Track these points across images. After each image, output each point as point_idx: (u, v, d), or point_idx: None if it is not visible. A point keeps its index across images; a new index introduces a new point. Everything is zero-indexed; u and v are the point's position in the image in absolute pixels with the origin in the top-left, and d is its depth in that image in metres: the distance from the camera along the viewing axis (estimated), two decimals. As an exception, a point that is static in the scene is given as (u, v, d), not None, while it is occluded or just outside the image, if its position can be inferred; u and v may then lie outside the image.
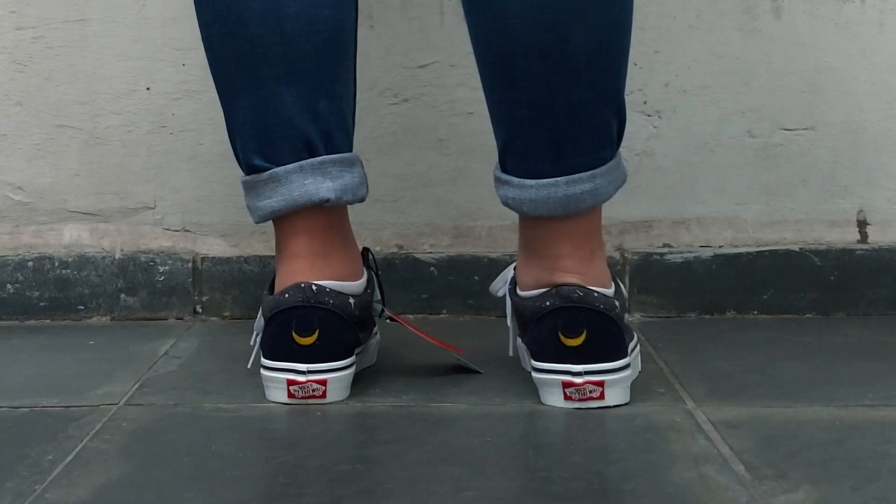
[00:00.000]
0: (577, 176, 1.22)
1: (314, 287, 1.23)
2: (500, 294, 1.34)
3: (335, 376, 1.22)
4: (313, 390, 1.23)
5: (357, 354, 1.27)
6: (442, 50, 1.63)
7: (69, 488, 0.99)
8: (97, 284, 1.64)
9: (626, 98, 1.65)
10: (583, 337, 1.20)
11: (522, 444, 1.10)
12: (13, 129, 1.66)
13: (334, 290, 1.24)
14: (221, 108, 1.29)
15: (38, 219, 1.67)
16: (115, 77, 1.65)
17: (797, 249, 1.65)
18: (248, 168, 1.28)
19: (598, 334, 1.20)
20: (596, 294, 1.21)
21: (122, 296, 1.64)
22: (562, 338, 1.20)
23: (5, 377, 1.35)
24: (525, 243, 1.26)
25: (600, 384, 1.20)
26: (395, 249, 1.67)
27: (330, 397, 1.23)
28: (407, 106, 1.66)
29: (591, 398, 1.20)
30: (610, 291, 1.24)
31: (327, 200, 1.25)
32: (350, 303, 1.24)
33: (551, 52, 1.18)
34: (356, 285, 1.26)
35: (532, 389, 1.25)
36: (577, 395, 1.20)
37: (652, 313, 1.64)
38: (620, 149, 1.28)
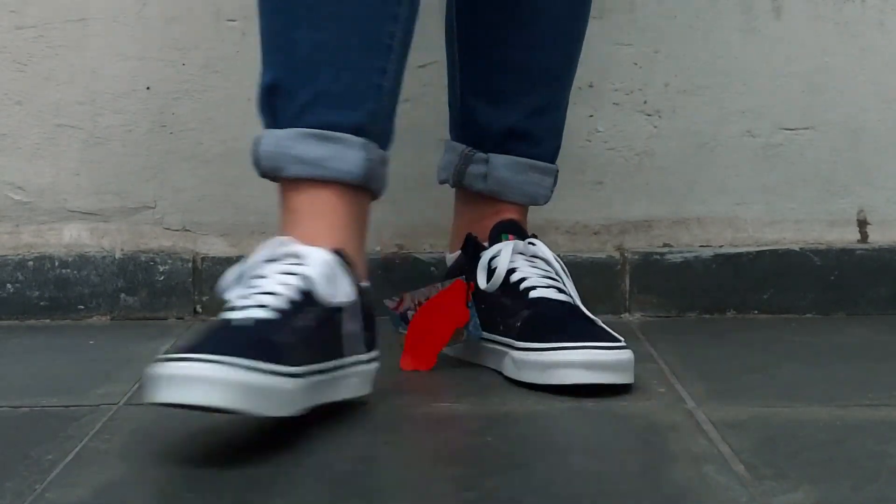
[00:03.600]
0: None
1: None
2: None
3: None
4: None
5: None
6: (442, 50, 1.63)
7: (69, 488, 0.99)
8: (97, 284, 1.64)
9: (626, 97, 1.66)
10: None
11: (522, 444, 1.10)
12: (13, 129, 1.66)
13: None
14: None
15: (38, 218, 1.67)
16: (115, 77, 1.65)
17: (797, 249, 1.65)
18: None
19: None
20: None
21: (122, 295, 1.64)
22: None
23: (5, 377, 1.35)
24: None
25: None
26: (395, 249, 1.67)
27: None
28: (407, 106, 1.65)
29: None
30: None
31: None
32: None
33: None
34: None
35: (533, 390, 1.25)
36: None
37: (652, 313, 1.64)
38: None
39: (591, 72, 1.65)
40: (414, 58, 1.63)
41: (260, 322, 1.08)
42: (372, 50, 1.21)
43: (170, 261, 1.64)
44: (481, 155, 1.41)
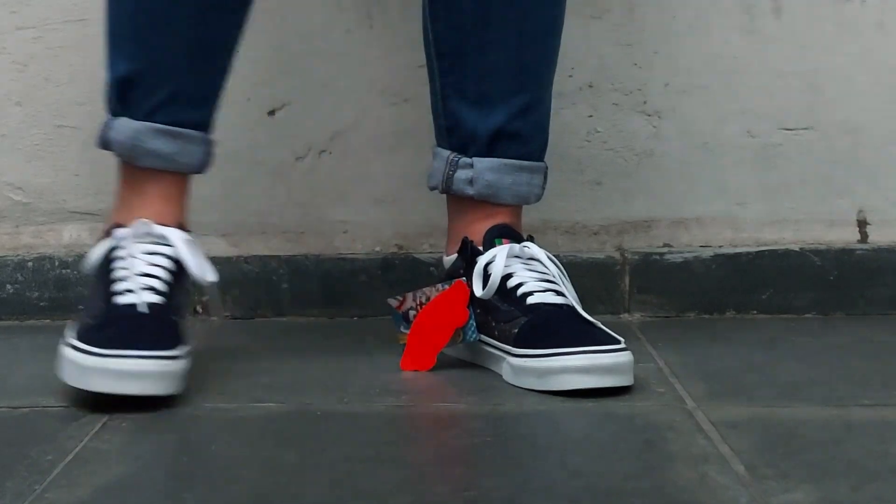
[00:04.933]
0: None
1: None
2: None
3: None
4: None
5: None
6: (442, 50, 1.63)
7: (69, 488, 0.99)
8: (97, 284, 1.64)
9: (626, 97, 1.66)
10: None
11: (522, 444, 1.10)
12: (13, 130, 1.66)
13: None
14: None
15: (38, 219, 1.67)
16: (115, 77, 1.65)
17: (797, 249, 1.65)
18: None
19: None
20: None
21: (122, 296, 1.64)
22: None
23: (5, 377, 1.35)
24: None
25: None
26: (395, 249, 1.67)
27: None
28: (407, 106, 1.66)
29: None
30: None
31: None
32: None
33: None
34: None
35: (532, 390, 1.25)
36: None
37: (651, 313, 1.64)
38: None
39: (591, 72, 1.65)
40: (414, 57, 1.64)
41: (159, 307, 1.25)
42: (220, 54, 1.35)
43: (170, 261, 1.64)
44: (466, 160, 1.41)
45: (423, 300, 1.36)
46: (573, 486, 0.99)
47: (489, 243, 1.36)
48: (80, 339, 1.21)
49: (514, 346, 1.29)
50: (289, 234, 1.67)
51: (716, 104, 1.66)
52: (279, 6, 1.65)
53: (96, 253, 1.32)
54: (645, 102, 1.66)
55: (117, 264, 1.28)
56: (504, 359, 1.30)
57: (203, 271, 1.31)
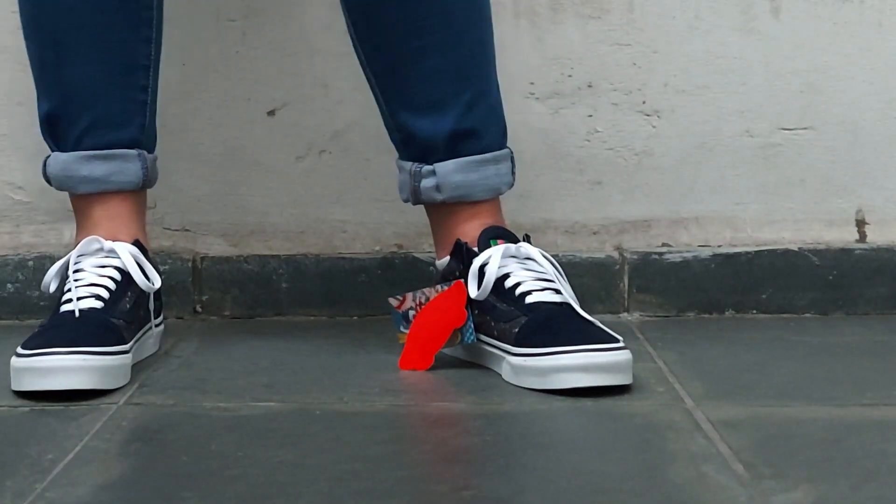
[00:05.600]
0: None
1: None
2: None
3: None
4: None
5: None
6: (441, 50, 1.63)
7: (69, 487, 0.99)
8: (97, 284, 1.64)
9: (625, 97, 1.66)
10: None
11: (522, 443, 1.10)
12: (14, 129, 1.66)
13: None
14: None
15: (39, 218, 1.67)
16: (115, 77, 1.65)
17: (796, 249, 1.65)
18: None
19: None
20: None
21: (122, 295, 1.64)
22: None
23: (6, 377, 1.35)
24: None
25: None
26: (395, 249, 1.67)
27: None
28: (406, 106, 1.66)
29: None
30: None
31: None
32: None
33: None
34: None
35: (531, 390, 1.25)
36: None
37: (651, 312, 1.64)
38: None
39: (590, 72, 1.65)
40: (413, 58, 1.63)
41: (96, 311, 1.31)
42: (134, 73, 1.41)
43: (170, 261, 1.64)
44: (428, 168, 1.40)
45: (423, 300, 1.36)
46: (572, 485, 0.99)
47: (484, 244, 1.36)
48: (22, 346, 1.28)
49: (514, 346, 1.29)
50: (289, 234, 1.67)
51: (715, 104, 1.66)
52: (279, 6, 1.65)
53: (52, 272, 1.39)
54: (644, 102, 1.66)
55: (70, 278, 1.34)
56: (504, 358, 1.30)
57: (149, 279, 1.38)
